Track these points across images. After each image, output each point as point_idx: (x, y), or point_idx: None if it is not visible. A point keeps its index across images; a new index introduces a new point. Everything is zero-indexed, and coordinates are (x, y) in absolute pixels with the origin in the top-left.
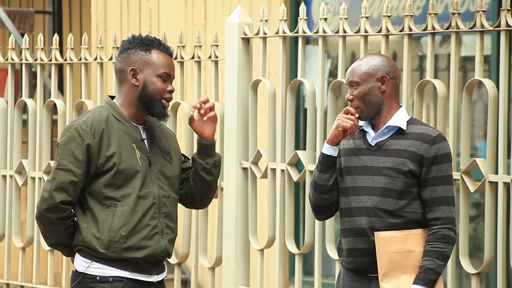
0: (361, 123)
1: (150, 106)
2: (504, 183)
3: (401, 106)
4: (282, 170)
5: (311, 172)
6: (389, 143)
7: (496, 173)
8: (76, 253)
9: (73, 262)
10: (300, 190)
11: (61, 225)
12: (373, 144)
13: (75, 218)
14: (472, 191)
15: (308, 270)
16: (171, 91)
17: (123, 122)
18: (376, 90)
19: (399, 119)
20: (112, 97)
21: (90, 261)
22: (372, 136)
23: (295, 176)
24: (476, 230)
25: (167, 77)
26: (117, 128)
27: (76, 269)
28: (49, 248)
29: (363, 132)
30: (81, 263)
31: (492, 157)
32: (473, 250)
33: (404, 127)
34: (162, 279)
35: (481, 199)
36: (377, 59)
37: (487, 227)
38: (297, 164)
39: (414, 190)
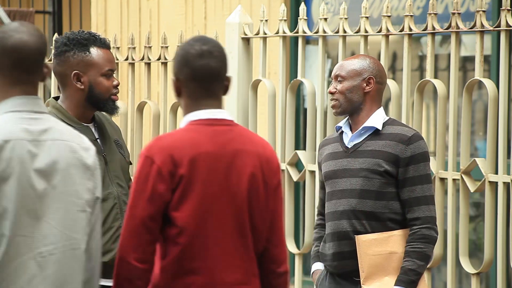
0: (340, 123)
1: (100, 105)
2: (504, 183)
3: (380, 107)
4: (282, 170)
5: (311, 172)
6: (365, 145)
7: (496, 173)
8: None
9: None
10: (300, 190)
11: None
12: (349, 147)
13: None
14: (472, 191)
15: (308, 270)
16: (117, 85)
17: (73, 125)
18: (360, 90)
19: (375, 120)
20: (57, 98)
21: None
22: (349, 138)
23: (295, 176)
24: (476, 230)
25: (111, 73)
26: None
27: None
28: None
29: (341, 135)
30: None
31: (492, 157)
32: (473, 250)
33: (379, 127)
34: None
35: (481, 199)
36: (368, 60)
37: (487, 227)
38: (297, 164)
39: (392, 190)
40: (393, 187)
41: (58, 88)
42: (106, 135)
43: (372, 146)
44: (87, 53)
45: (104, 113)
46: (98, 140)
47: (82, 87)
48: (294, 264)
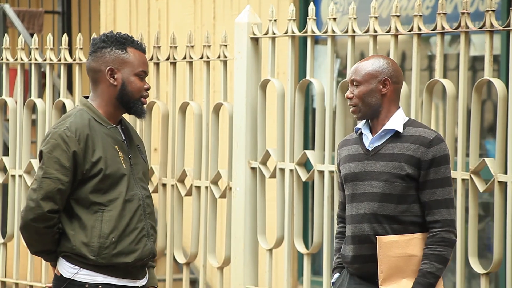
0: (359, 125)
1: (130, 105)
2: None
3: (399, 107)
4: (291, 170)
5: (319, 172)
6: (386, 147)
7: (506, 173)
8: (61, 258)
9: (54, 266)
10: (308, 190)
11: (47, 234)
12: (370, 149)
13: (60, 225)
14: (481, 191)
15: (316, 270)
16: (148, 89)
17: (104, 124)
18: (377, 92)
19: (396, 122)
20: (86, 97)
21: (79, 267)
22: (369, 140)
23: (304, 176)
24: (485, 230)
25: (144, 75)
26: (99, 131)
27: (61, 274)
28: None
29: (361, 136)
30: (68, 269)
31: (501, 157)
32: (482, 250)
33: (400, 130)
34: (145, 284)
35: (490, 199)
36: (382, 61)
37: (496, 227)
38: (306, 164)
39: (413, 193)
40: (413, 190)
41: (67, 88)
42: (131, 139)
43: (394, 149)
44: (124, 51)
45: (125, 120)
46: (125, 141)
47: (115, 83)
48: (303, 263)
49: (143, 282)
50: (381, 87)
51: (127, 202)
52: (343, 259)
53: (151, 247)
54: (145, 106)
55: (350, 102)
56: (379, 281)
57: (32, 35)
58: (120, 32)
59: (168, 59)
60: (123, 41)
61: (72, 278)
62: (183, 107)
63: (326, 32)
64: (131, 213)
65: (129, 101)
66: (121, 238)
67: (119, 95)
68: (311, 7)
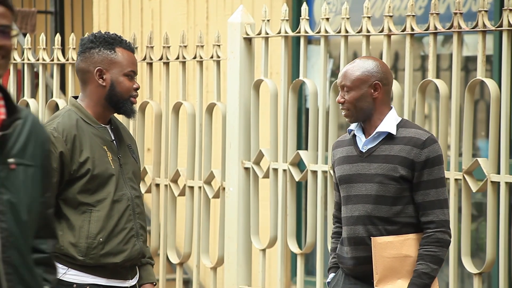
0: (352, 126)
1: (119, 105)
2: (506, 183)
3: (391, 108)
4: (284, 170)
5: (313, 172)
6: (379, 149)
7: (498, 173)
8: None
9: None
10: (302, 190)
11: None
12: (364, 151)
13: None
14: (474, 191)
15: (310, 270)
16: (137, 88)
17: (92, 124)
18: (368, 97)
19: (389, 124)
20: (76, 97)
21: (67, 268)
22: (363, 142)
23: (297, 176)
24: (478, 230)
25: (133, 75)
26: (87, 131)
27: None
28: None
29: (354, 137)
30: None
31: (494, 157)
32: (475, 250)
33: (394, 132)
34: (135, 284)
35: (483, 199)
36: (371, 64)
37: (489, 227)
38: (299, 164)
39: (407, 194)
40: (407, 192)
41: (60, 88)
42: (121, 138)
43: (387, 150)
44: (113, 51)
45: (117, 119)
46: (114, 141)
47: (104, 84)
48: (297, 263)
49: (132, 282)
50: (372, 91)
51: (116, 202)
52: (339, 260)
53: (140, 247)
54: (134, 105)
55: (342, 106)
56: (375, 282)
57: (25, 35)
58: (108, 32)
59: (161, 59)
60: (111, 41)
61: (60, 278)
62: (176, 107)
63: (319, 32)
64: (119, 213)
65: (118, 101)
66: (109, 239)
67: (108, 95)
68: (304, 7)
